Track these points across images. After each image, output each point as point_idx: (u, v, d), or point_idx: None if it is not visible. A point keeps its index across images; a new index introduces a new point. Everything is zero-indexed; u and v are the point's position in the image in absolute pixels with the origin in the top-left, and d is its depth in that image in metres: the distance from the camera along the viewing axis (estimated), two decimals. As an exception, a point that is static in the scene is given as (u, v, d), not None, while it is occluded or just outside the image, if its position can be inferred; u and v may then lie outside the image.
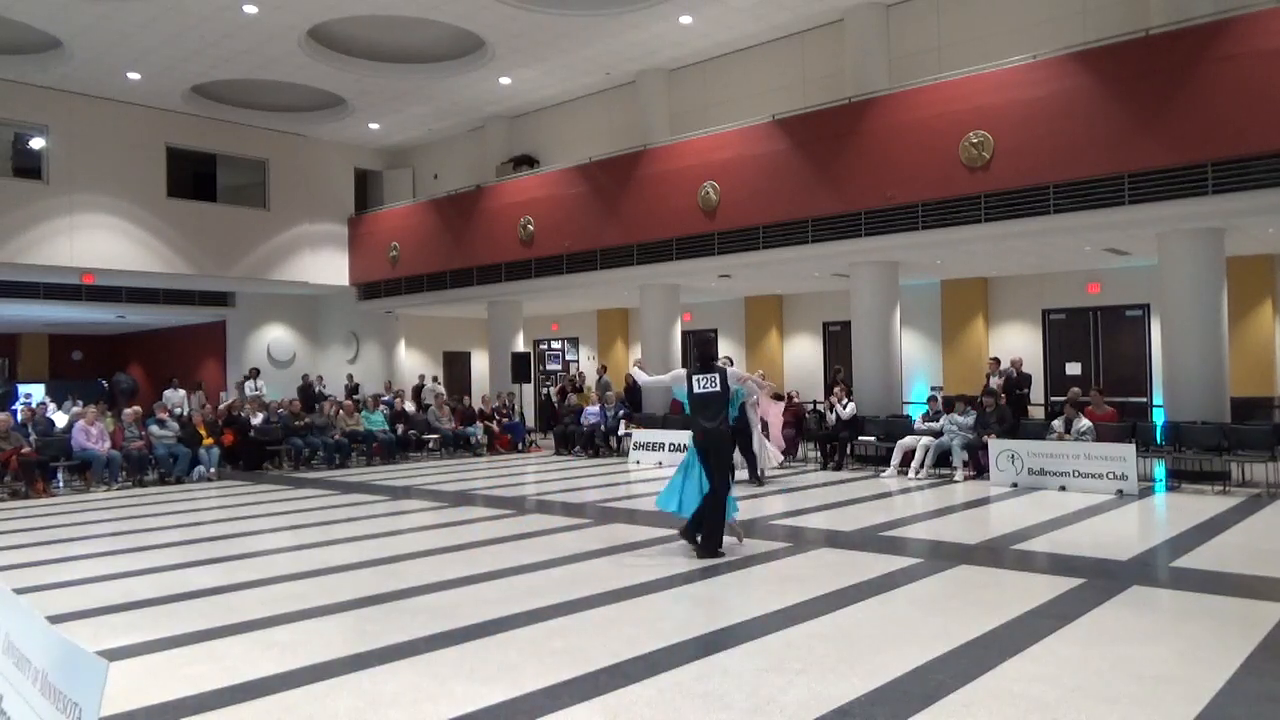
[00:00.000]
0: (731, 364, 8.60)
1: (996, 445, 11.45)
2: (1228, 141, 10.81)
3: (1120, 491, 10.27)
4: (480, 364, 24.70)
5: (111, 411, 14.64)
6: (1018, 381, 14.59)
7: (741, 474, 11.47)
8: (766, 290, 19.75)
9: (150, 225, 19.37)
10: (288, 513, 10.23)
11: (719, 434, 7.31)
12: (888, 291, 14.62)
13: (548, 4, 14.84)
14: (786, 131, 14.74)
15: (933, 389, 16.01)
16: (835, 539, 7.91)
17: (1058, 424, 11.66)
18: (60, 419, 15.41)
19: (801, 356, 20.09)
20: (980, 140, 12.59)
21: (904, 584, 6.23)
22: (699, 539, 7.20)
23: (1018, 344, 16.58)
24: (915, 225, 13.33)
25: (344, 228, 22.74)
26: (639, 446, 15.20)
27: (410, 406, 18.35)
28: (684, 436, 14.70)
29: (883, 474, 12.51)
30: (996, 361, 14.83)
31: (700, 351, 7.59)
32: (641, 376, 8.74)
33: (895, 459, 12.51)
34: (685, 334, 19.40)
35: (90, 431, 13.03)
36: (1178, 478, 11.14)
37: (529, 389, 21.21)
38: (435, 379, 21.98)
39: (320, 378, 21.80)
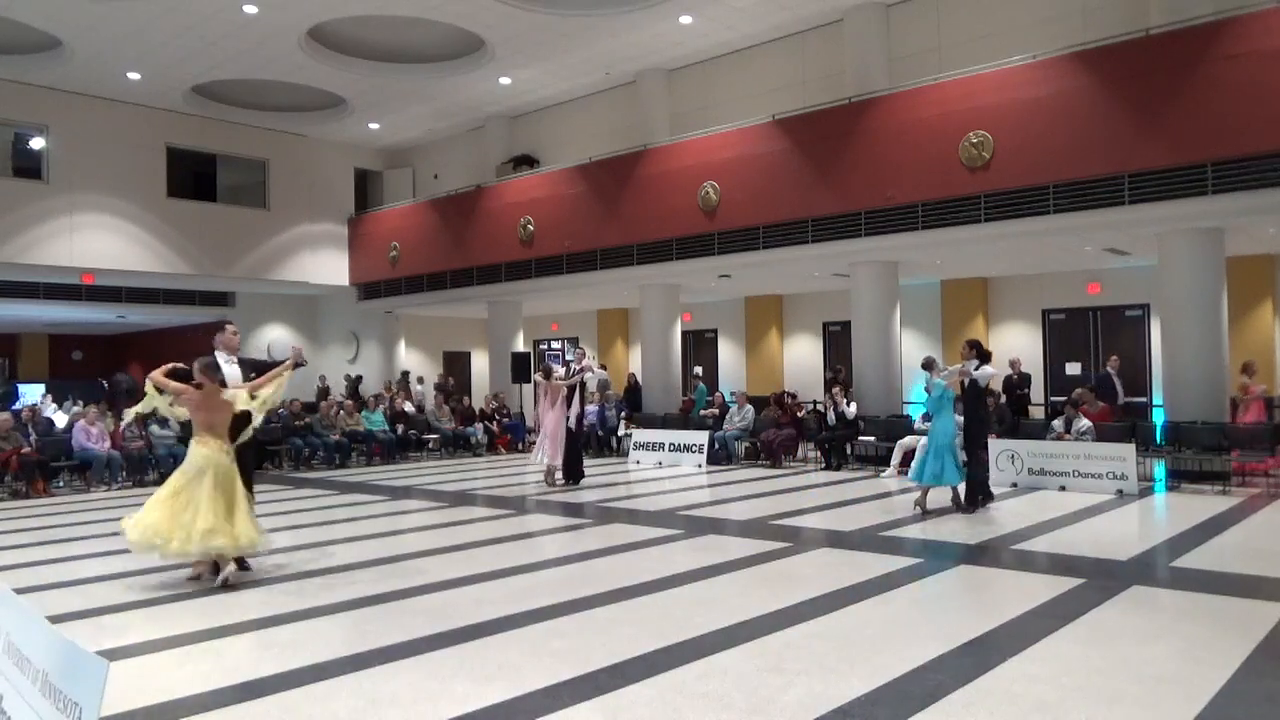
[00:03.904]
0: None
1: (996, 445, 11.45)
2: (1228, 141, 10.81)
3: (1120, 491, 10.27)
4: (480, 364, 24.71)
5: (111, 411, 14.63)
6: (1018, 381, 14.60)
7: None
8: (766, 290, 19.75)
9: (150, 225, 19.37)
10: (288, 513, 10.22)
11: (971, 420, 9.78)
12: (888, 291, 14.62)
13: (548, 4, 14.83)
14: (786, 131, 14.74)
15: (933, 389, 15.98)
16: (835, 539, 7.91)
17: (1058, 424, 11.66)
18: (60, 419, 15.41)
19: (801, 356, 20.09)
20: (980, 140, 12.59)
21: (904, 584, 6.23)
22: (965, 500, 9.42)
23: (1018, 344, 16.58)
24: (915, 225, 13.33)
25: (344, 228, 22.73)
26: (639, 446, 15.20)
27: (409, 407, 18.33)
28: (683, 437, 14.72)
29: (883, 474, 12.49)
30: (1017, 363, 14.88)
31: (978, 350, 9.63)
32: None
33: (895, 459, 12.50)
34: (685, 334, 19.40)
35: (90, 431, 13.03)
36: (1178, 478, 11.13)
37: (529, 389, 21.17)
38: (420, 379, 22.01)
39: (323, 377, 21.80)
